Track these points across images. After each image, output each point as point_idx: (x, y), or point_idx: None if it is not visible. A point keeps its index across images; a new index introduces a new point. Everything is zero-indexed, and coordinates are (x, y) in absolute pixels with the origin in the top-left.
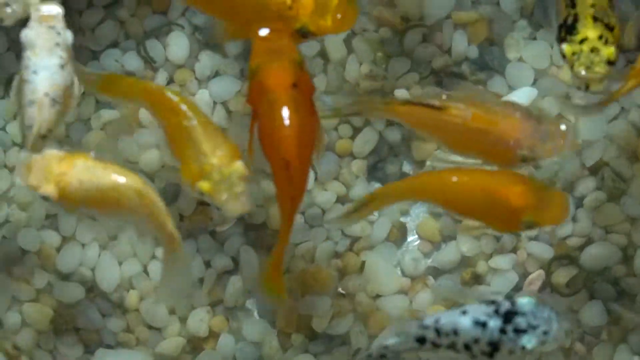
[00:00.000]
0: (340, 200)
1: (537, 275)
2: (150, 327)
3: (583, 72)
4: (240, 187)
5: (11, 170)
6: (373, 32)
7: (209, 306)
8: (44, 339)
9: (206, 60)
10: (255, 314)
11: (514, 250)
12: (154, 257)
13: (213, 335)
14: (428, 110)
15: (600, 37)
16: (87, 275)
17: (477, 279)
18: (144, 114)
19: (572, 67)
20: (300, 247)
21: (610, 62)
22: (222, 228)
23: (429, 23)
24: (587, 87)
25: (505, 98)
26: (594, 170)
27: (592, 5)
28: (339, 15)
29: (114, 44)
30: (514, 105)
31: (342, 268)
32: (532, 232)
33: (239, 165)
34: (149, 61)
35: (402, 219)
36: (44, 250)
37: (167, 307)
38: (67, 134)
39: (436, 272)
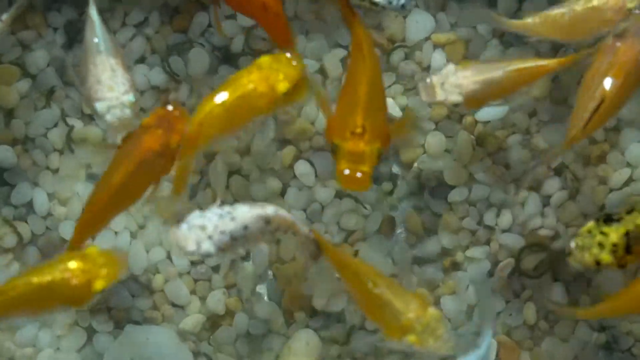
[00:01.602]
0: (339, 195)
1: (506, 263)
2: (173, 305)
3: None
4: (441, 329)
5: (54, 172)
6: None
7: (225, 288)
8: (81, 318)
9: (223, 73)
10: (265, 297)
11: (488, 242)
12: None
13: (229, 313)
14: None
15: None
16: None
17: (455, 266)
18: None
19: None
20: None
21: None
22: None
23: (410, 44)
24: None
25: (479, 112)
26: (558, 172)
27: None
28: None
29: (142, 60)
30: None
31: None
32: (505, 225)
33: (433, 311)
34: (172, 75)
35: (392, 214)
36: None
37: (189, 288)
38: (103, 140)
39: (420, 260)
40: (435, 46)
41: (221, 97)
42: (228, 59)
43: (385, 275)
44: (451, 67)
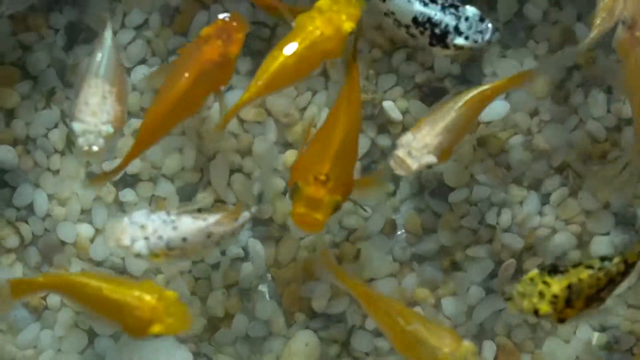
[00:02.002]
0: None
1: (509, 263)
2: None
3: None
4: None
5: (54, 173)
6: (367, 52)
7: (224, 288)
8: (81, 320)
9: None
10: (267, 295)
11: (490, 241)
12: None
13: (229, 315)
14: None
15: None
16: (117, 263)
17: (455, 266)
18: None
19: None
20: (304, 240)
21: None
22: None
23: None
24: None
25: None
26: (559, 170)
27: None
28: None
29: (143, 61)
30: None
31: (339, 256)
32: (506, 224)
33: (466, 345)
34: None
35: (393, 216)
36: (79, 241)
37: (189, 286)
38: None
39: (420, 259)
40: None
41: (290, 48)
42: None
43: (414, 311)
44: (409, 134)
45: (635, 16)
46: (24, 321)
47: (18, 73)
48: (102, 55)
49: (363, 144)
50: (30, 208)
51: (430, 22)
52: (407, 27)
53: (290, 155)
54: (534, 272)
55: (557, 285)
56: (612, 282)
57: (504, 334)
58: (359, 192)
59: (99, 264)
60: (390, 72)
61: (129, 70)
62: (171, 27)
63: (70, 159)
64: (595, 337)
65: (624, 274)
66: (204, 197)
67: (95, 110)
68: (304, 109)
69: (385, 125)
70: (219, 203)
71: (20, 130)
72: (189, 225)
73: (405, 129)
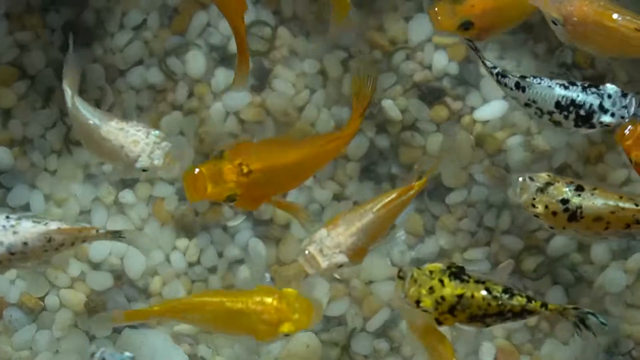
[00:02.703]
0: (337, 197)
1: (507, 264)
2: None
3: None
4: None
5: (52, 174)
6: (368, 53)
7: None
8: (80, 320)
9: (220, 76)
10: None
11: (488, 243)
12: (175, 247)
13: None
14: None
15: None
16: (116, 264)
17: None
18: (164, 124)
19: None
20: (303, 242)
21: None
22: (233, 223)
23: (412, 45)
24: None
25: (478, 111)
26: (560, 171)
27: None
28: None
29: (140, 62)
30: None
31: None
32: (505, 226)
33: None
34: (169, 75)
35: None
36: None
37: (186, 289)
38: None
39: (419, 262)
40: (437, 47)
41: None
42: (226, 60)
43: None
44: (323, 231)
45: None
46: (19, 322)
47: (15, 73)
48: (82, 113)
49: (361, 145)
50: (26, 209)
51: (574, 104)
52: (550, 113)
53: None
54: (439, 265)
55: (449, 290)
56: (501, 314)
57: (503, 337)
58: (277, 205)
59: (96, 265)
60: (390, 70)
61: (124, 72)
62: (170, 27)
63: (68, 159)
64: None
65: (517, 315)
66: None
67: (132, 140)
68: (302, 108)
69: (384, 125)
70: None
71: (17, 130)
72: (29, 229)
73: (404, 128)
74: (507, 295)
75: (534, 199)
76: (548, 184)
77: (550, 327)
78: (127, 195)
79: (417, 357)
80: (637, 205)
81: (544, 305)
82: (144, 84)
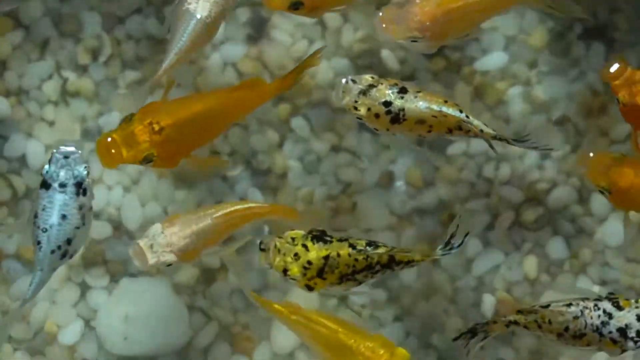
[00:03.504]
0: (334, 149)
1: (506, 216)
2: None
3: None
4: None
5: (50, 124)
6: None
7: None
8: (75, 273)
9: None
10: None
11: (487, 194)
12: (173, 199)
13: (225, 267)
14: None
15: None
16: (113, 214)
17: (453, 219)
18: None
19: None
20: (300, 192)
21: None
22: (231, 173)
23: None
24: None
25: (478, 62)
26: (559, 123)
27: None
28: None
29: (138, 10)
30: None
31: (335, 209)
32: (505, 177)
33: (401, 351)
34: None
35: (390, 167)
36: None
37: None
38: (95, 92)
39: (419, 212)
40: None
41: None
42: None
43: (339, 319)
44: (157, 226)
45: None
46: (17, 273)
47: (9, 22)
48: None
49: None
50: (22, 160)
51: None
52: None
53: (283, 109)
54: (300, 232)
55: (314, 253)
56: (370, 268)
57: (504, 289)
58: (192, 165)
59: (94, 215)
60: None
61: (122, 19)
62: None
63: (64, 112)
64: (595, 291)
65: (385, 266)
66: None
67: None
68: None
69: (383, 76)
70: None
71: (13, 81)
72: None
73: (403, 79)
74: (371, 247)
75: (356, 101)
76: (371, 86)
77: (551, 279)
78: None
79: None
80: (461, 111)
81: (411, 259)
82: (144, 34)
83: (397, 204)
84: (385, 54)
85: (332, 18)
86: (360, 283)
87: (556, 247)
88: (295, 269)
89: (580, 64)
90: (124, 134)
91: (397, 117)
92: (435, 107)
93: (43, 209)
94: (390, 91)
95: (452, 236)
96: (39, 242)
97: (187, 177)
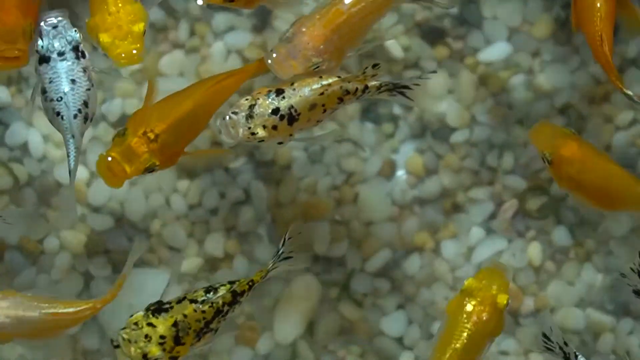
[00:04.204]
0: (337, 139)
1: (510, 204)
2: (171, 249)
3: None
4: None
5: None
6: None
7: (224, 230)
8: (79, 262)
9: (221, 15)
10: (265, 239)
11: (491, 183)
12: (175, 190)
13: (228, 257)
14: None
15: None
16: (115, 208)
17: (457, 208)
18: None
19: None
20: (303, 181)
21: None
22: (234, 164)
23: None
24: None
25: (481, 53)
26: (563, 111)
27: None
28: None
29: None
30: None
31: (339, 199)
32: (508, 166)
33: None
34: (170, 13)
35: (392, 157)
36: (77, 185)
37: (186, 231)
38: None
39: (421, 201)
40: None
41: (458, 342)
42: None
43: None
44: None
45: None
46: (19, 265)
47: None
48: None
49: None
50: (24, 148)
51: None
52: None
53: None
54: (139, 314)
55: (162, 326)
56: (219, 312)
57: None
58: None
59: (96, 209)
60: (391, 11)
61: None
62: None
63: None
64: (600, 279)
65: (232, 303)
66: None
67: None
68: None
69: (386, 64)
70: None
71: (13, 70)
72: None
73: (407, 67)
74: (212, 293)
75: (250, 127)
76: (251, 106)
77: (556, 268)
78: None
79: None
80: (339, 76)
81: (250, 280)
82: None
83: (398, 193)
84: (389, 42)
85: None
86: (217, 330)
87: (560, 236)
88: (153, 349)
89: (582, 52)
90: (122, 150)
91: (291, 116)
92: (315, 85)
93: (50, 82)
94: (270, 99)
95: (283, 244)
96: (58, 113)
97: (190, 168)
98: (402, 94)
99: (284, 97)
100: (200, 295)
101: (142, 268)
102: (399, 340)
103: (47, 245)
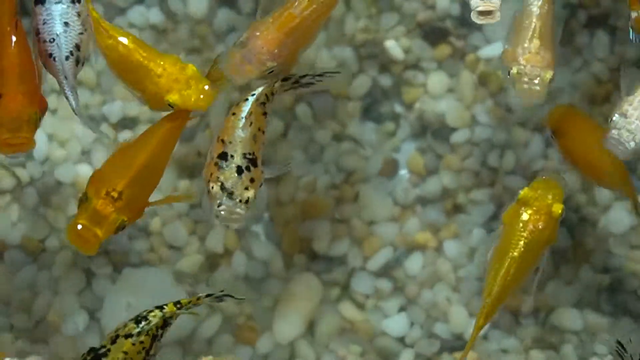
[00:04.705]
0: (336, 137)
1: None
2: (171, 247)
3: None
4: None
5: (52, 113)
6: None
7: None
8: (81, 260)
9: (222, 16)
10: (262, 237)
11: (492, 184)
12: (175, 189)
13: (228, 252)
14: None
15: None
16: None
17: (458, 209)
18: None
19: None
20: (302, 180)
21: None
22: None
23: None
24: None
25: (482, 50)
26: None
27: None
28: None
29: (140, 1)
30: None
31: (338, 198)
32: (509, 167)
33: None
34: (170, 16)
35: (394, 155)
36: (79, 184)
37: (188, 229)
38: (97, 82)
39: (423, 201)
40: None
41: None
42: (228, 0)
43: None
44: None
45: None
46: (20, 263)
47: None
48: None
49: (364, 84)
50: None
51: None
52: None
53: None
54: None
55: None
56: (155, 338)
57: None
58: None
59: None
60: (392, 10)
61: (125, 10)
62: None
63: None
64: (598, 280)
65: (164, 326)
66: None
67: None
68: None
69: (386, 65)
70: None
71: None
72: None
73: (406, 68)
74: (144, 323)
75: (239, 201)
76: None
77: (554, 268)
78: (126, 137)
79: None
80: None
81: (177, 302)
82: (145, 24)
83: (400, 193)
84: (389, 43)
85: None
86: (155, 354)
87: (559, 236)
88: None
89: (584, 53)
90: (90, 215)
91: (250, 160)
92: (241, 123)
93: (44, 23)
94: (230, 172)
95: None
96: (50, 55)
97: (190, 168)
98: (312, 83)
99: (232, 156)
100: (133, 328)
101: (141, 268)
102: (401, 340)
103: (48, 245)
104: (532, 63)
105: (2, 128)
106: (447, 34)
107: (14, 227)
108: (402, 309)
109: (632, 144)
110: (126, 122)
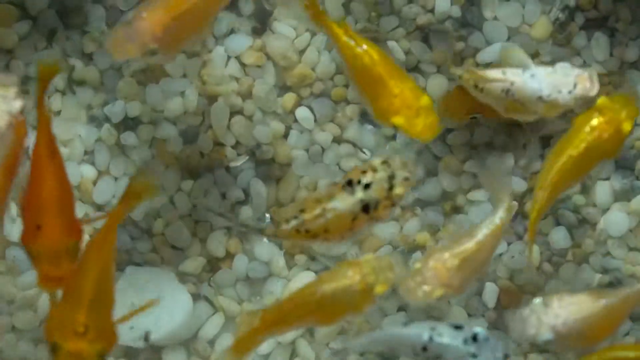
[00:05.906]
0: (336, 140)
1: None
2: (173, 248)
3: None
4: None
5: (56, 114)
6: None
7: (225, 228)
8: None
9: (222, 19)
10: (264, 239)
11: None
12: (179, 189)
13: (229, 255)
14: None
15: None
16: None
17: (457, 210)
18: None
19: None
20: (303, 180)
21: None
22: (235, 164)
23: None
24: None
25: (482, 52)
26: (563, 115)
27: None
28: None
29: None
30: None
31: None
32: (508, 168)
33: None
34: None
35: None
36: (83, 183)
37: (189, 229)
38: (101, 81)
39: (422, 203)
40: None
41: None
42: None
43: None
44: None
45: None
46: (24, 263)
47: (15, 12)
48: None
49: None
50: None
51: None
52: None
53: (289, 98)
54: None
55: None
56: None
57: (506, 277)
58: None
59: (100, 207)
60: (392, 14)
61: (125, 13)
62: None
63: (71, 99)
64: (597, 279)
65: None
66: None
67: None
68: (303, 51)
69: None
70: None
71: (20, 70)
72: None
73: (408, 70)
74: None
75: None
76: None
77: (553, 268)
78: (128, 137)
79: None
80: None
81: None
82: None
83: None
84: (391, 44)
85: (333, 10)
86: None
87: (559, 237)
88: None
89: (582, 54)
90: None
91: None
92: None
93: None
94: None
95: None
96: None
97: (193, 169)
98: None
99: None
100: None
101: (145, 267)
102: None
103: None
104: (436, 273)
105: (42, 260)
106: (446, 36)
107: (15, 223)
108: (401, 308)
109: (533, 330)
110: (128, 123)
